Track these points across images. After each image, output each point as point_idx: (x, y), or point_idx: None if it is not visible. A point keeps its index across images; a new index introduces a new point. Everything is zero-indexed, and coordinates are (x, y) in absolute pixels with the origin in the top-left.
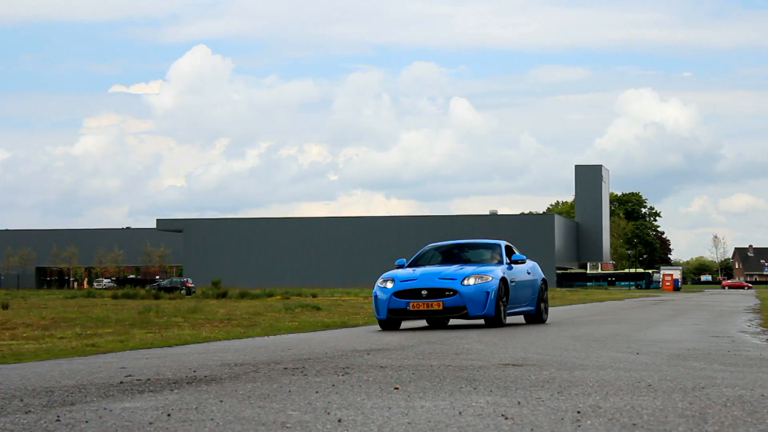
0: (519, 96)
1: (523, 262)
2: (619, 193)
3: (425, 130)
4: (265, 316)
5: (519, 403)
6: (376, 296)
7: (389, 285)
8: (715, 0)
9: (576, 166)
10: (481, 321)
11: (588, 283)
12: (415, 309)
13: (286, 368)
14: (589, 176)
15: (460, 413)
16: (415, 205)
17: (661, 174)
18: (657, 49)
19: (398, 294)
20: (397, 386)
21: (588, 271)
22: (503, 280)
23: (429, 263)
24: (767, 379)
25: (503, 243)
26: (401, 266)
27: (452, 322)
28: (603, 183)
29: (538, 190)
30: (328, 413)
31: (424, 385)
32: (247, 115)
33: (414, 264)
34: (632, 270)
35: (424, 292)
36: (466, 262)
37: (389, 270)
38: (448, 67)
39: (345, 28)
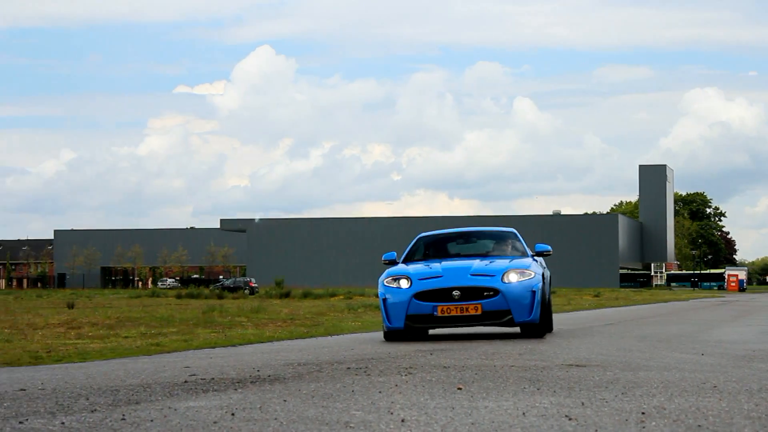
0: (583, 96)
1: (549, 254)
2: (684, 193)
3: (489, 130)
4: (328, 316)
5: (583, 403)
6: (385, 300)
7: (405, 284)
8: None
9: (640, 166)
10: (499, 329)
11: (673, 284)
12: (445, 315)
13: (349, 368)
14: (653, 176)
15: (523, 414)
16: (478, 205)
17: (726, 174)
18: (723, 48)
19: (421, 296)
20: (461, 386)
21: (671, 272)
22: (543, 277)
23: (431, 257)
24: None
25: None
26: (393, 261)
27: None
28: (667, 183)
29: (602, 190)
30: (392, 413)
31: (488, 385)
32: (311, 116)
33: (410, 258)
34: (714, 270)
35: (456, 293)
36: (482, 254)
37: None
38: (512, 66)
39: (408, 28)
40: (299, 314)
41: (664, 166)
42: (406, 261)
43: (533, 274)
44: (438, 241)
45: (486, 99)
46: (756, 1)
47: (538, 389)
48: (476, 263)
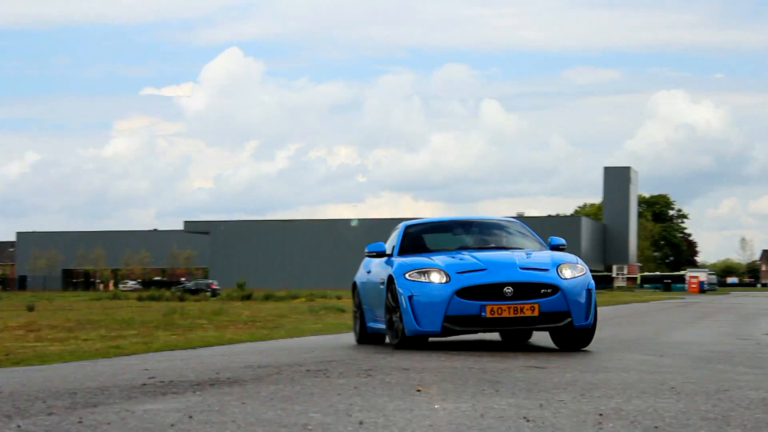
0: (550, 98)
1: (564, 248)
2: (648, 195)
3: (455, 132)
4: (289, 318)
5: (541, 405)
6: (411, 297)
7: (439, 278)
8: (749, 0)
9: (605, 167)
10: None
11: (645, 285)
12: (495, 316)
13: (309, 370)
14: (617, 178)
15: (481, 415)
16: (442, 206)
17: (690, 176)
18: (689, 51)
19: (465, 293)
20: (420, 388)
21: (645, 273)
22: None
23: (436, 249)
24: None
25: None
26: (382, 254)
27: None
28: (631, 185)
29: (567, 192)
30: (350, 415)
31: (447, 387)
32: (278, 118)
33: (407, 251)
34: (679, 273)
35: (508, 290)
36: (499, 247)
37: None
38: (480, 68)
39: (377, 30)
40: (260, 316)
41: (628, 168)
42: (402, 254)
43: (584, 270)
44: (434, 229)
45: (453, 101)
46: (723, 3)
47: (497, 391)
48: (513, 254)
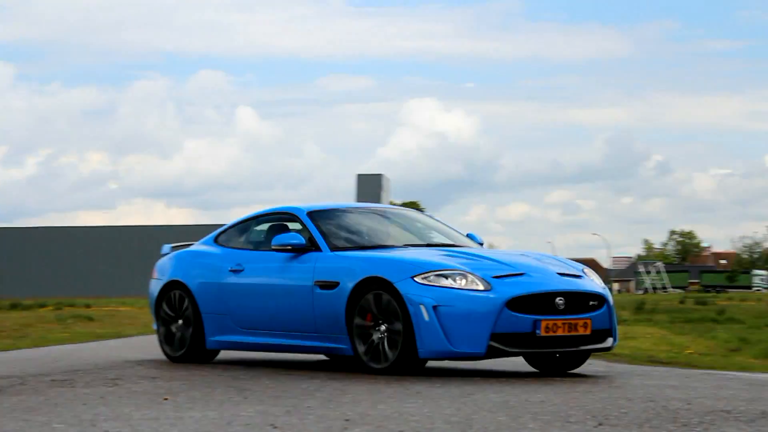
0: (304, 105)
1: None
2: (400, 202)
3: (210, 138)
4: (35, 327)
5: (288, 411)
6: (436, 308)
7: (474, 284)
8: (500, 13)
9: (357, 174)
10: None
11: None
12: (550, 335)
13: (54, 380)
14: (369, 185)
15: (228, 423)
16: (195, 213)
17: (441, 183)
18: (442, 60)
19: (516, 304)
20: (167, 397)
21: None
22: None
23: (365, 244)
24: (533, 385)
25: None
26: (303, 248)
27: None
28: (383, 192)
29: (320, 198)
30: (95, 425)
31: (195, 395)
32: (28, 123)
33: (343, 246)
34: None
35: (560, 301)
36: (458, 245)
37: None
38: (235, 75)
39: (132, 35)
40: (5, 326)
41: (380, 175)
42: (336, 250)
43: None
44: (349, 219)
45: (208, 107)
46: (475, 14)
47: (245, 398)
48: (530, 256)
